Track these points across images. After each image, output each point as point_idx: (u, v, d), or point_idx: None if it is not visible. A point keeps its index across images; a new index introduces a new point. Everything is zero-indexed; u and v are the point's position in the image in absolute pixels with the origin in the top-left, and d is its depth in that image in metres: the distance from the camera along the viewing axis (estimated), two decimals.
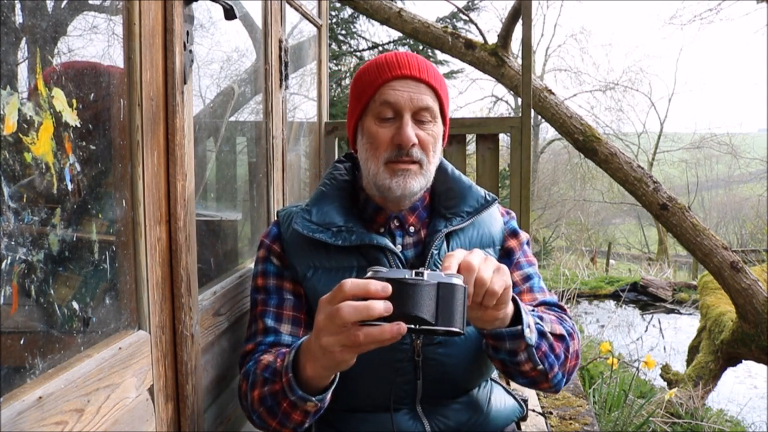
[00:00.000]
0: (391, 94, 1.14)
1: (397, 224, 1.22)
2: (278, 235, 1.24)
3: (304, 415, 1.02)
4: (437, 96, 1.17)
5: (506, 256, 1.27)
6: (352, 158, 1.31)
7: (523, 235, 1.31)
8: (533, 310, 1.14)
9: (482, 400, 1.24)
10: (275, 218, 1.29)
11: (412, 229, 1.22)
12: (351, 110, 1.22)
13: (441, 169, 1.26)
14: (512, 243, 1.28)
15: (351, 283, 0.86)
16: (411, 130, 1.13)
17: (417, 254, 1.21)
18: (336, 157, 2.52)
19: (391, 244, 1.17)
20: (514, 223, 1.31)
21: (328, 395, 1.00)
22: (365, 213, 1.23)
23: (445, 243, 1.21)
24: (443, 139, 1.24)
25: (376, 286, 0.85)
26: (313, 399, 0.97)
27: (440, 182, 1.26)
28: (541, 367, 1.09)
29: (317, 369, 0.95)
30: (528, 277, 1.26)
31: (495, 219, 1.28)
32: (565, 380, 1.16)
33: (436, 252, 1.18)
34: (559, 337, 1.13)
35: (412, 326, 0.85)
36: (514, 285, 1.23)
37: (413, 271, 0.88)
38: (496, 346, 1.07)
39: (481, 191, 1.26)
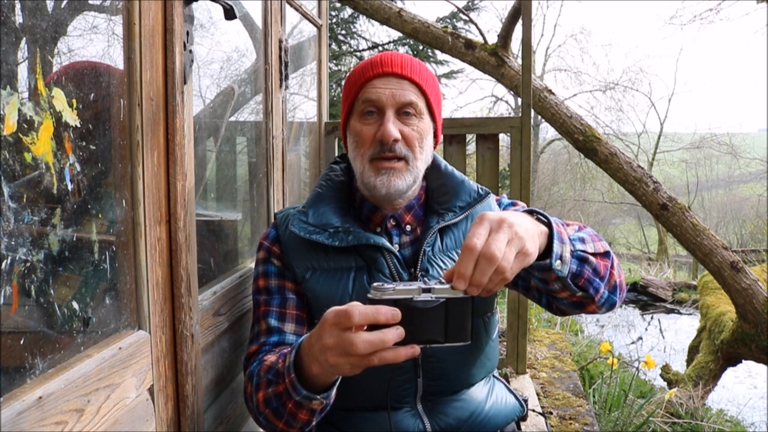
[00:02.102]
0: (373, 91, 1.14)
1: (394, 223, 1.22)
2: (276, 237, 1.24)
3: (311, 413, 1.01)
4: (422, 92, 1.16)
5: None
6: (347, 158, 1.31)
7: (520, 204, 1.30)
8: (578, 229, 1.09)
9: (483, 398, 1.24)
10: (273, 220, 1.29)
11: (408, 227, 1.22)
12: (341, 111, 1.23)
13: (434, 166, 1.26)
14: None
15: (359, 313, 0.85)
16: (393, 126, 1.13)
17: (414, 252, 1.20)
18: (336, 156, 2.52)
19: (388, 244, 1.16)
20: (508, 200, 1.30)
21: (333, 391, 0.99)
22: (362, 213, 1.24)
23: (438, 239, 1.20)
24: (435, 137, 1.23)
25: (386, 314, 0.84)
26: (318, 397, 0.97)
27: (433, 179, 1.26)
28: (581, 294, 1.05)
29: (322, 370, 0.94)
30: None
31: (489, 210, 1.27)
32: (616, 297, 1.11)
33: (429, 249, 1.18)
34: (604, 255, 1.07)
35: (423, 345, 0.87)
36: None
37: (419, 286, 0.87)
38: (528, 271, 1.02)
39: (474, 185, 1.26)
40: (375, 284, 0.89)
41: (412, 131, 1.15)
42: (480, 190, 1.25)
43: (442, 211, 1.21)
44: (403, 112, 1.15)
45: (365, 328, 0.86)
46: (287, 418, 1.03)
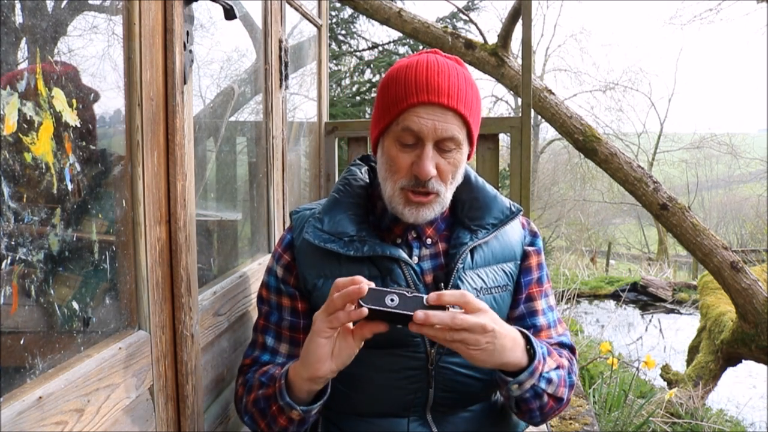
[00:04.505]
0: (415, 121, 1.06)
1: (415, 236, 1.18)
2: (290, 243, 1.21)
3: (289, 421, 1.07)
4: (465, 122, 1.09)
5: (525, 274, 1.24)
6: (367, 160, 1.28)
7: (542, 256, 1.28)
8: (556, 367, 1.13)
9: (493, 412, 1.24)
10: (289, 220, 1.26)
11: (429, 241, 1.19)
12: (375, 120, 1.16)
13: (464, 179, 1.21)
14: (533, 262, 1.25)
15: (340, 279, 0.99)
16: (430, 163, 1.07)
17: (434, 266, 1.18)
18: (336, 157, 2.53)
19: (405, 255, 1.13)
20: (538, 241, 1.28)
21: (314, 410, 1.06)
22: (383, 222, 1.20)
23: (469, 255, 1.17)
24: (468, 157, 1.18)
25: (360, 279, 0.97)
26: (298, 408, 1.04)
27: (464, 191, 1.21)
28: (516, 411, 1.15)
29: (298, 370, 1.03)
30: (548, 309, 1.25)
31: (515, 229, 1.25)
32: (541, 422, 1.18)
33: (461, 266, 1.15)
34: (557, 399, 1.14)
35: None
36: (534, 314, 1.23)
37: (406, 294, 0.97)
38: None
39: (506, 201, 1.23)
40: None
41: (447, 164, 1.10)
42: (512, 207, 1.22)
43: (475, 227, 1.18)
44: (443, 145, 1.09)
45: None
46: (269, 420, 1.10)
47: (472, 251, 1.18)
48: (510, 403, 1.14)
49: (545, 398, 1.10)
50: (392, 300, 0.94)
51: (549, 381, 1.10)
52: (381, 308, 0.94)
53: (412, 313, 0.93)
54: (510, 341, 1.01)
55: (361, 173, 1.25)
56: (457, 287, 1.14)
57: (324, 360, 0.98)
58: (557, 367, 1.13)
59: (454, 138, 1.08)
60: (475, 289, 1.16)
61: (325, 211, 1.19)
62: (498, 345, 0.98)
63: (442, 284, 1.15)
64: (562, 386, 1.13)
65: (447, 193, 1.14)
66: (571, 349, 1.24)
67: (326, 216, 1.17)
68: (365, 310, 0.94)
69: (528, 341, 1.06)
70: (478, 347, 0.97)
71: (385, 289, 0.96)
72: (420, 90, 1.07)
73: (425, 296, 0.95)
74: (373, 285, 0.96)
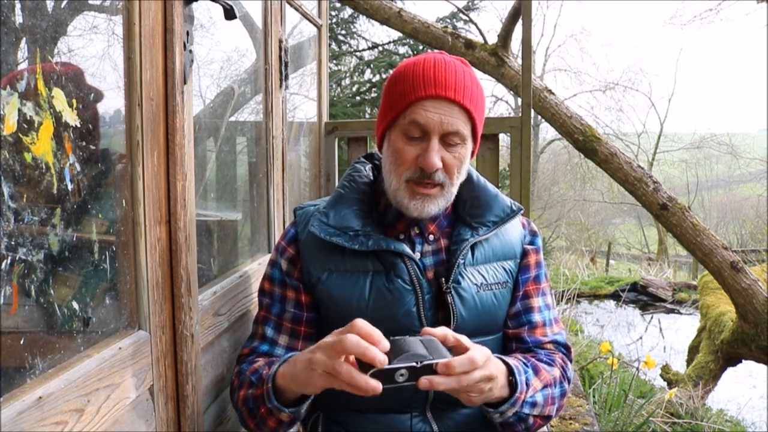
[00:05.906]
0: (422, 114, 1.08)
1: (417, 232, 1.20)
2: (294, 237, 1.23)
3: (278, 423, 1.08)
4: (470, 118, 1.12)
5: (524, 272, 1.25)
6: (371, 158, 1.30)
7: (540, 255, 1.30)
8: (543, 387, 1.13)
9: None
10: (293, 216, 1.28)
11: (431, 237, 1.20)
12: (381, 115, 1.18)
13: (467, 178, 1.23)
14: (531, 261, 1.26)
15: (362, 322, 0.93)
16: (436, 155, 1.09)
17: (436, 262, 1.19)
18: (336, 157, 2.53)
19: (409, 251, 1.15)
20: (538, 240, 1.29)
21: (302, 409, 1.06)
22: (386, 218, 1.21)
23: (469, 252, 1.19)
24: (472, 155, 1.20)
25: (380, 335, 0.92)
26: (286, 410, 1.05)
27: (466, 190, 1.23)
28: (501, 429, 1.15)
29: (287, 381, 1.02)
30: (545, 307, 1.25)
31: (515, 228, 1.26)
32: None
33: (462, 262, 1.17)
34: (545, 418, 1.15)
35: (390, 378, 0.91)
36: (529, 311, 1.23)
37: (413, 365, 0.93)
38: None
39: (507, 200, 1.24)
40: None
41: (453, 158, 1.12)
42: (513, 206, 1.24)
43: (476, 224, 1.20)
44: (448, 139, 1.11)
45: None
46: (258, 421, 1.11)
47: (472, 248, 1.19)
48: (494, 424, 1.14)
49: (530, 420, 1.12)
50: (402, 375, 0.91)
51: (534, 404, 1.11)
52: (390, 386, 0.91)
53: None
54: (500, 375, 1.03)
55: (366, 170, 1.27)
56: (458, 283, 1.16)
57: (312, 387, 0.99)
58: (544, 387, 1.14)
59: (460, 132, 1.10)
60: (476, 284, 1.17)
61: (331, 205, 1.20)
62: (494, 385, 1.00)
63: (443, 279, 1.16)
64: (549, 405, 1.14)
65: (452, 188, 1.15)
66: (566, 347, 1.25)
67: (332, 210, 1.19)
68: (379, 388, 0.91)
69: (510, 371, 1.07)
70: (481, 394, 0.99)
71: (394, 366, 0.90)
72: (428, 84, 1.09)
73: (435, 362, 0.92)
74: (385, 361, 0.90)
